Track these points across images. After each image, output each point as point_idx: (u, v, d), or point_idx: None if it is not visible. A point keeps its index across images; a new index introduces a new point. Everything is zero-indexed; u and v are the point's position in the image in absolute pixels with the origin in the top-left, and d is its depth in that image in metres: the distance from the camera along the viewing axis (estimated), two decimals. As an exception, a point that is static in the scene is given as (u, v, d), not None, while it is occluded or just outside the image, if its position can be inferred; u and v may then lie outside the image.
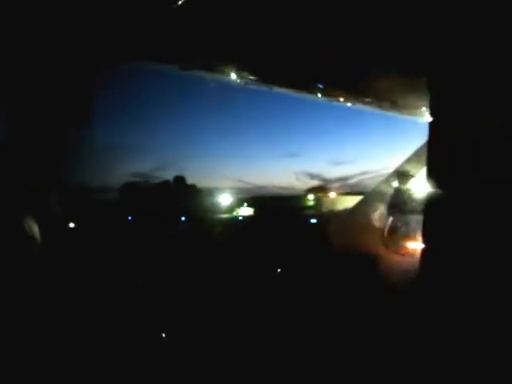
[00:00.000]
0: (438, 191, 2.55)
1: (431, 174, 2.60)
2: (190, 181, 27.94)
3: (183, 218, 18.53)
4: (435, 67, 2.61)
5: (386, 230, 5.94)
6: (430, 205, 2.68)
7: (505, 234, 2.26)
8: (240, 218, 21.41)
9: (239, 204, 23.63)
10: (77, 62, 3.27)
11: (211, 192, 26.05)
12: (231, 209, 23.08)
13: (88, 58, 3.27)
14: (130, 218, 18.50)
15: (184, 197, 24.08)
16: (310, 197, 28.68)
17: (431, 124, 2.65)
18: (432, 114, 2.68)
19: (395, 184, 6.16)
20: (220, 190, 26.18)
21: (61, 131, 3.48)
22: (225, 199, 21.39)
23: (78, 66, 3.31)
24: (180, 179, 27.48)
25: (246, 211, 23.17)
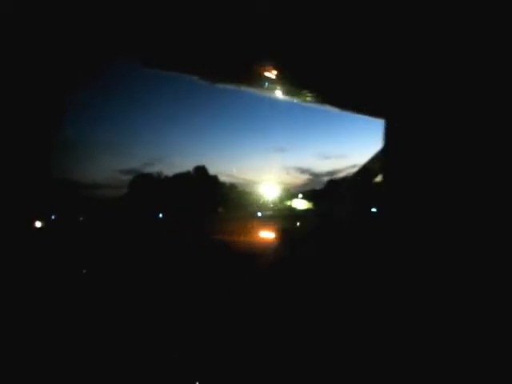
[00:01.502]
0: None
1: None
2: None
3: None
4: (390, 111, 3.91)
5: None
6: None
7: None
8: (301, 212, 17.92)
9: (290, 196, 20.37)
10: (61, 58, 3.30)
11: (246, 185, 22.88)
12: (280, 202, 19.84)
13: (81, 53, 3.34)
14: (160, 215, 15.64)
15: (219, 190, 21.09)
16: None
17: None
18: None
19: None
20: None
21: (41, 128, 3.51)
22: (269, 191, 18.37)
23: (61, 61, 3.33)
24: (201, 169, 24.27)
25: (301, 204, 19.86)
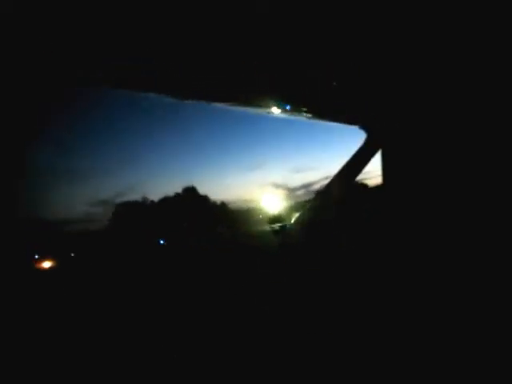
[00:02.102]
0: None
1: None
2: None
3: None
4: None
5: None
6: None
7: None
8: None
9: (288, 211, 19.53)
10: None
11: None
12: (282, 217, 18.96)
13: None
14: (161, 241, 14.59)
15: (216, 208, 20.13)
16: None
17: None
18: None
19: None
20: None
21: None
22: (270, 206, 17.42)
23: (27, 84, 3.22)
24: (191, 190, 23.28)
25: None
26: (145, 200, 24.46)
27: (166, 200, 24.04)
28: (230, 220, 18.13)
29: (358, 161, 5.22)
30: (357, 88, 4.09)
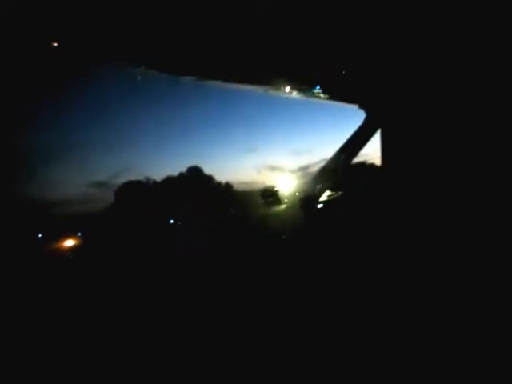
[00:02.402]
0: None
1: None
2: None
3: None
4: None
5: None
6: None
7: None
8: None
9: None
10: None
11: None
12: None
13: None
14: (171, 221, 14.06)
15: (217, 190, 19.54)
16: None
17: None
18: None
19: None
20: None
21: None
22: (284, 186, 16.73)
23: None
24: (195, 170, 22.61)
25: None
26: (148, 180, 23.82)
27: (169, 180, 23.41)
28: (240, 201, 17.59)
29: (357, 140, 5.21)
30: (359, 67, 4.07)
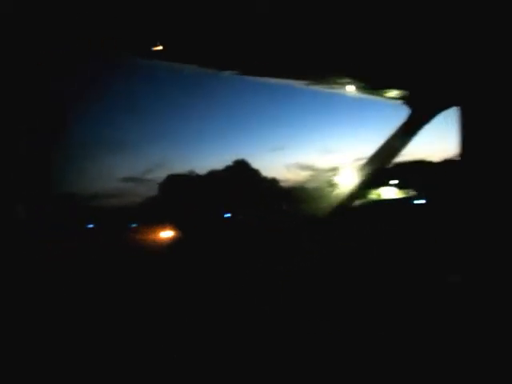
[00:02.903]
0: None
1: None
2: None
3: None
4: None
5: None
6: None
7: None
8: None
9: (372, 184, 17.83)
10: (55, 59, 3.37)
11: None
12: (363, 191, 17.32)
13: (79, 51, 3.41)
14: (228, 215, 13.74)
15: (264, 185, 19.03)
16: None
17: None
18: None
19: None
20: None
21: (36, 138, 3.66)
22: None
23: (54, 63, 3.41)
24: (241, 164, 22.09)
25: (390, 193, 17.45)
26: (191, 173, 23.55)
27: (213, 174, 23.05)
28: (295, 196, 16.95)
29: (400, 137, 5.07)
30: (409, 62, 3.94)
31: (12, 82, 3.08)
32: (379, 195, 16.59)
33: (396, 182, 16.90)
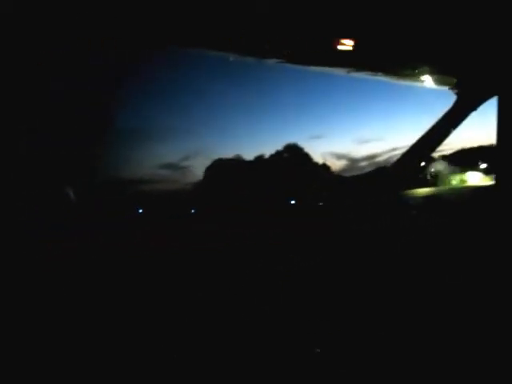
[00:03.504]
0: None
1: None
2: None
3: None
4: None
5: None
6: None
7: None
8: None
9: (455, 169, 16.37)
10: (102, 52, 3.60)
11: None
12: (443, 177, 15.93)
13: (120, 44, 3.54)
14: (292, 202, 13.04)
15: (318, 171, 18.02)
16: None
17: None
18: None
19: None
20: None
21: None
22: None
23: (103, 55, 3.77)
24: (294, 149, 20.98)
25: (476, 178, 15.91)
26: (238, 157, 22.82)
27: (261, 159, 22.19)
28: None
29: (447, 125, 4.90)
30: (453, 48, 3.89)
31: (12, 81, 3.19)
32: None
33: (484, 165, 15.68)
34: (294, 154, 20.77)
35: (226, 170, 21.42)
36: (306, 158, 21.00)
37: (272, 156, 21.42)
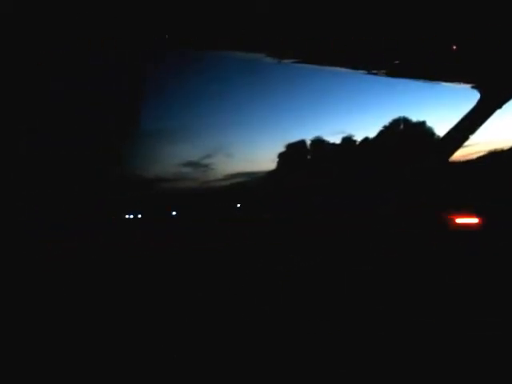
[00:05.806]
0: None
1: None
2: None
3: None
4: None
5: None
6: None
7: None
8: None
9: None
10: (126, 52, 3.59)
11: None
12: None
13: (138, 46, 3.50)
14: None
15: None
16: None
17: None
18: None
19: None
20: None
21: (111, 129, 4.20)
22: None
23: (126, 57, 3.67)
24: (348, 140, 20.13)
25: None
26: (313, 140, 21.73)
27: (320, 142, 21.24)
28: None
29: (470, 122, 4.81)
30: (478, 47, 3.81)
31: (12, 81, 3.14)
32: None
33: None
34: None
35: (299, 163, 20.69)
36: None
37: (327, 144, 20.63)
